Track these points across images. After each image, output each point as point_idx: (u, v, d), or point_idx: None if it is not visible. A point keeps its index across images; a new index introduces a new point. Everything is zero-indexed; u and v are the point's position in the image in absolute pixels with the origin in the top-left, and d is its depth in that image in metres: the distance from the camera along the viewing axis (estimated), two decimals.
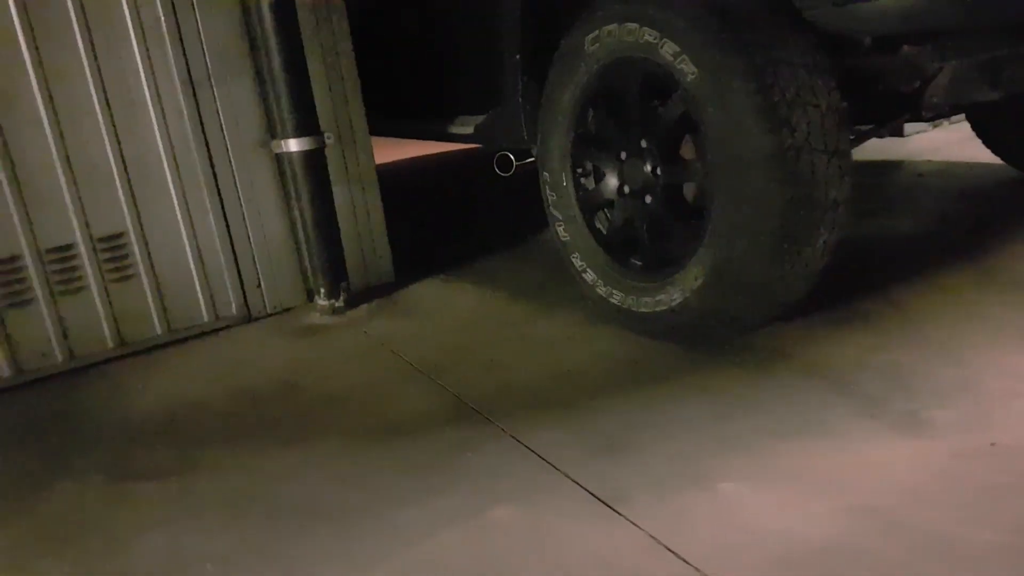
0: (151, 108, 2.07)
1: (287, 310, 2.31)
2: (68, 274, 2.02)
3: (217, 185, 2.18)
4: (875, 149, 3.62)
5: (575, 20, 1.82)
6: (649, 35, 1.60)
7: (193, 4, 2.07)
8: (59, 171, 1.97)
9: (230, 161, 2.19)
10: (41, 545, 1.31)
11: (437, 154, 5.04)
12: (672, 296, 1.70)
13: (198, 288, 2.20)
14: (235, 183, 2.21)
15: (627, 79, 1.74)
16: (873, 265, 2.16)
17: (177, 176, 2.13)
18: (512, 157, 2.24)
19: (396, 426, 1.58)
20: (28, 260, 1.95)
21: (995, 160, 2.93)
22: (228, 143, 2.18)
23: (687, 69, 1.53)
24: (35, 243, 1.96)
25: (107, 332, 2.09)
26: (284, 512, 1.33)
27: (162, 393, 1.88)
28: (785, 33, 1.46)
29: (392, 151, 5.05)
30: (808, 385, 1.54)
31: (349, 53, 2.32)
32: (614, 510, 1.21)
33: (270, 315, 2.29)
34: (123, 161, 2.05)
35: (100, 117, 2.00)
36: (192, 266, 2.18)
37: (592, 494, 1.26)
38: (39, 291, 1.98)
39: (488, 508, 1.26)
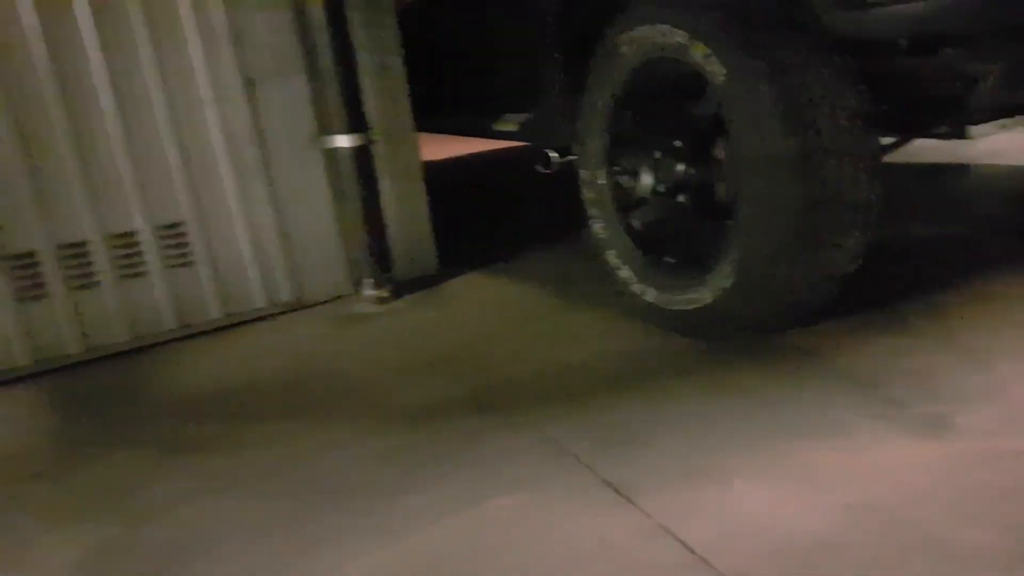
0: (211, 105, 2.20)
1: (336, 298, 2.42)
2: (132, 259, 2.16)
3: (271, 178, 2.30)
4: (937, 151, 3.53)
5: (611, 21, 1.86)
6: (680, 37, 1.63)
7: (251, 7, 2.19)
8: (125, 163, 2.11)
9: (284, 155, 2.30)
10: (94, 506, 1.43)
11: (482, 152, 5.11)
12: (703, 295, 1.72)
13: (253, 275, 2.32)
14: (288, 176, 2.32)
15: (660, 80, 1.77)
16: (919, 269, 2.13)
17: (234, 169, 2.25)
18: (553, 154, 2.29)
19: (422, 411, 1.66)
20: (95, 246, 2.10)
21: None
22: (282, 139, 2.29)
23: (716, 71, 1.56)
24: (101, 230, 2.11)
25: (168, 315, 2.23)
26: (311, 488, 1.42)
27: (215, 373, 2.00)
28: (811, 36, 1.47)
29: (438, 149, 5.15)
30: (832, 385, 1.55)
31: (398, 53, 2.40)
32: (623, 496, 1.26)
33: (320, 303, 2.40)
34: (184, 154, 2.19)
35: (163, 113, 2.14)
36: (247, 254, 2.31)
37: (603, 480, 1.31)
38: (105, 275, 2.12)
39: (501, 493, 1.32)
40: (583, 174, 2.06)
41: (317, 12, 2.17)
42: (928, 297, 1.91)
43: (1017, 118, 2.66)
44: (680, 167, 1.79)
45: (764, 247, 1.55)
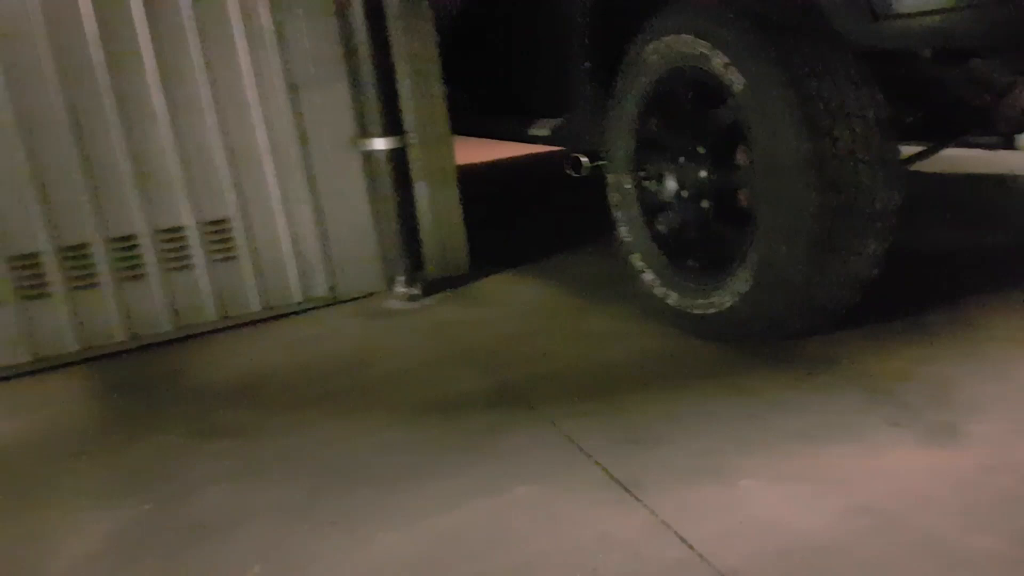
0: (256, 108, 2.30)
1: (369, 295, 2.50)
2: (178, 253, 2.28)
3: (311, 178, 2.39)
4: (984, 161, 3.46)
5: (639, 30, 1.89)
6: (702, 46, 1.66)
7: (295, 15, 2.28)
8: (175, 162, 2.23)
9: (324, 157, 2.40)
10: (129, 485, 1.52)
11: (516, 157, 5.16)
12: (722, 299, 1.75)
13: (292, 271, 2.42)
14: (327, 177, 2.41)
15: (684, 87, 1.80)
16: (951, 278, 2.11)
17: (277, 169, 2.35)
18: (584, 159, 2.33)
19: (444, 404, 1.72)
20: (144, 239, 2.22)
21: None
22: (323, 141, 2.39)
23: (735, 79, 1.59)
24: (151, 224, 2.22)
25: (210, 306, 2.34)
26: (335, 472, 1.49)
27: (251, 362, 2.10)
28: (829, 46, 1.49)
29: (473, 153, 5.22)
30: (847, 391, 1.56)
31: (435, 59, 2.48)
32: (630, 493, 1.29)
33: (354, 299, 2.48)
34: (230, 154, 2.29)
35: (211, 115, 2.25)
36: (287, 251, 2.40)
37: (613, 477, 1.35)
38: (152, 267, 2.24)
39: (515, 484, 1.37)
40: (610, 178, 2.10)
41: (358, 21, 2.25)
42: (956, 307, 1.90)
43: None
44: (703, 173, 1.82)
45: (780, 252, 1.57)
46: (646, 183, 2.02)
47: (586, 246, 2.79)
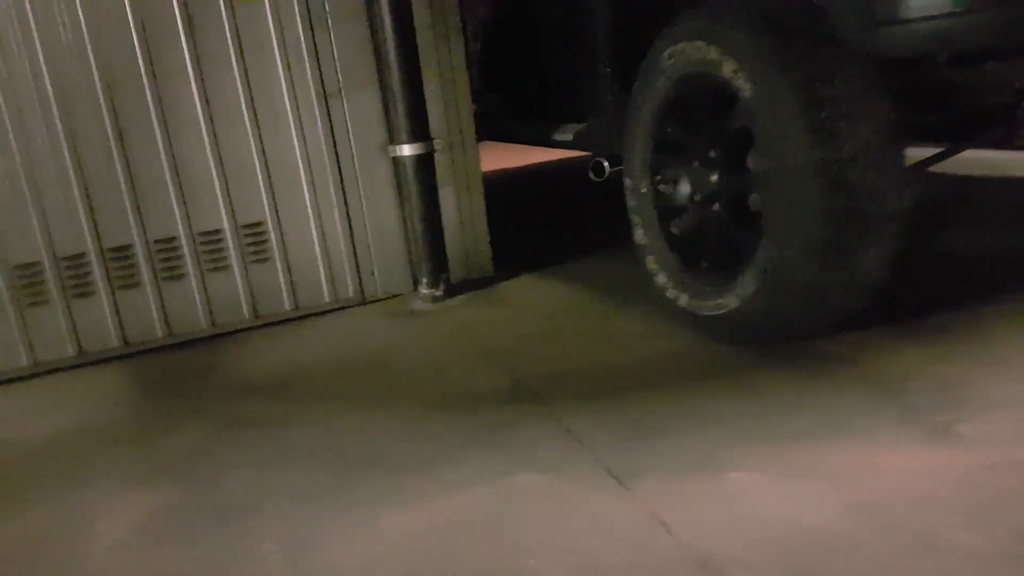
0: (290, 116, 2.40)
1: (395, 296, 2.58)
2: (215, 255, 2.39)
3: (342, 183, 2.49)
4: (1016, 162, 3.40)
5: (654, 38, 1.94)
6: (714, 52, 1.70)
7: (328, 26, 2.38)
8: (212, 168, 2.34)
9: (354, 163, 2.49)
10: (162, 470, 1.62)
11: (542, 163, 5.21)
12: (730, 301, 1.78)
13: (322, 272, 2.51)
14: (357, 182, 2.50)
15: (697, 92, 1.84)
16: (969, 280, 2.11)
17: (309, 175, 2.45)
18: (605, 163, 2.38)
19: (460, 399, 1.78)
20: (183, 241, 2.33)
21: None
22: (353, 147, 2.48)
23: (744, 85, 1.62)
24: (189, 227, 2.34)
25: (245, 306, 2.44)
26: (353, 460, 1.56)
27: (281, 359, 2.19)
28: (837, 51, 1.52)
29: (505, 158, 5.28)
30: (855, 391, 1.58)
31: (462, 68, 2.55)
32: (624, 486, 1.34)
33: (381, 299, 2.57)
34: (265, 160, 2.40)
35: (247, 123, 2.35)
36: (318, 253, 2.50)
37: (609, 471, 1.39)
38: (191, 268, 2.35)
39: (517, 473, 1.43)
40: (627, 182, 2.14)
41: (387, 32, 2.33)
42: (974, 308, 1.90)
43: None
44: (714, 177, 1.86)
45: (786, 255, 1.60)
46: (661, 187, 2.06)
47: (610, 249, 2.83)
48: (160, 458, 1.68)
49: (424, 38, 2.44)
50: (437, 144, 2.45)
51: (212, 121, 2.32)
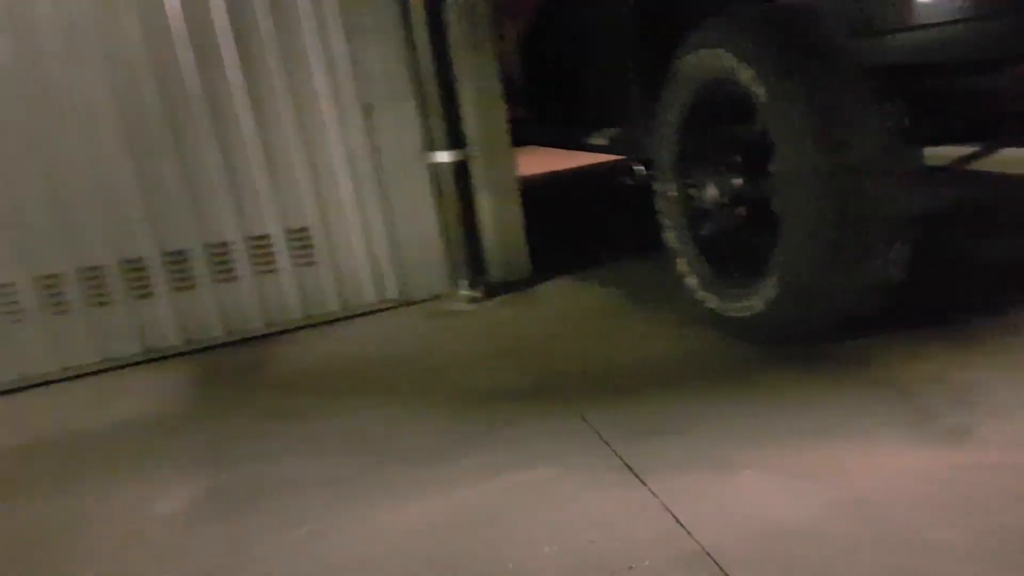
0: (333, 125, 2.53)
1: (436, 297, 2.69)
2: (266, 258, 2.53)
3: (383, 189, 2.61)
4: None
5: (680, 45, 1.99)
6: (732, 60, 1.75)
7: (368, 40, 2.50)
8: (263, 175, 2.48)
9: (394, 170, 2.60)
10: (209, 457, 1.76)
11: (578, 168, 5.25)
12: (755, 303, 1.82)
13: (365, 275, 2.64)
14: (397, 188, 2.62)
15: (719, 99, 1.89)
16: (1002, 285, 2.09)
17: (352, 181, 2.58)
18: (638, 167, 2.44)
19: (489, 395, 1.87)
20: (236, 246, 2.49)
21: None
22: (393, 155, 2.59)
23: (759, 92, 1.67)
24: (242, 232, 2.49)
25: (295, 306, 2.58)
26: (383, 450, 1.67)
27: (325, 355, 2.32)
28: (846, 58, 1.55)
29: (547, 162, 5.34)
30: (870, 393, 1.61)
31: (496, 77, 2.64)
32: (637, 476, 1.41)
33: (422, 300, 2.68)
34: (310, 168, 2.53)
35: (294, 133, 2.49)
36: (362, 256, 2.62)
37: (625, 463, 1.46)
38: (243, 270, 2.51)
39: (538, 465, 1.51)
40: (657, 186, 2.20)
41: (424, 45, 2.44)
42: (1001, 313, 1.89)
43: None
44: (737, 181, 1.90)
45: (803, 258, 1.64)
46: (690, 191, 2.11)
47: (645, 251, 2.88)
48: (210, 446, 1.81)
49: (459, 49, 2.54)
50: (472, 151, 2.55)
51: (261, 131, 2.47)
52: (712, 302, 2.00)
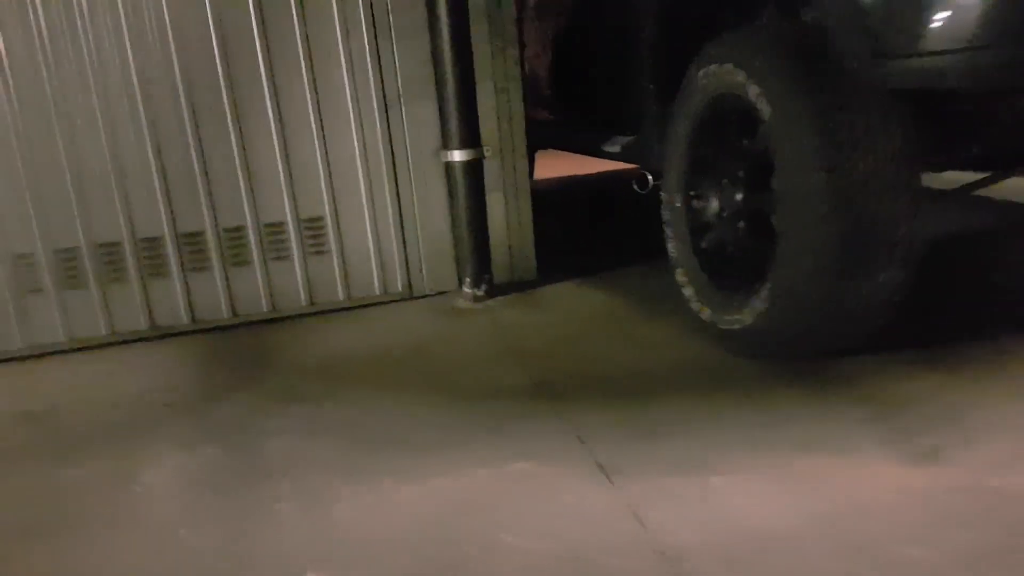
0: (352, 120, 2.58)
1: (441, 293, 2.72)
2: (278, 245, 2.58)
3: (397, 185, 2.65)
4: None
5: (693, 58, 2.01)
6: (741, 75, 1.76)
7: (391, 38, 2.54)
8: (279, 165, 2.54)
9: (409, 166, 2.64)
10: (208, 434, 1.80)
11: (601, 172, 5.26)
12: (745, 317, 1.84)
13: (374, 267, 2.68)
14: (411, 184, 2.66)
15: (728, 113, 1.90)
16: (1004, 315, 2.08)
17: (367, 175, 2.62)
18: (650, 176, 2.46)
19: (484, 392, 1.90)
20: (249, 231, 2.54)
21: None
22: (409, 151, 2.63)
23: (765, 109, 1.68)
24: (256, 219, 2.54)
25: (303, 294, 2.63)
26: (378, 438, 1.71)
27: (329, 343, 2.36)
28: (853, 80, 1.56)
29: (563, 167, 5.36)
30: (852, 410, 1.62)
31: (516, 78, 2.67)
32: (609, 479, 1.43)
33: (427, 295, 2.72)
34: (327, 160, 2.58)
35: (313, 125, 2.54)
36: (371, 249, 2.67)
37: (599, 464, 1.48)
38: (255, 256, 2.56)
39: (517, 461, 1.54)
40: (664, 196, 2.21)
41: (445, 45, 2.48)
42: (999, 341, 1.88)
43: None
44: (740, 195, 1.91)
45: (796, 276, 1.65)
46: (695, 202, 2.12)
47: (652, 260, 2.90)
48: (209, 423, 1.86)
49: (481, 51, 2.58)
50: (487, 151, 2.58)
51: (281, 122, 2.52)
52: (706, 313, 2.01)
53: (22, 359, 2.44)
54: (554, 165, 5.23)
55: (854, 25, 1.45)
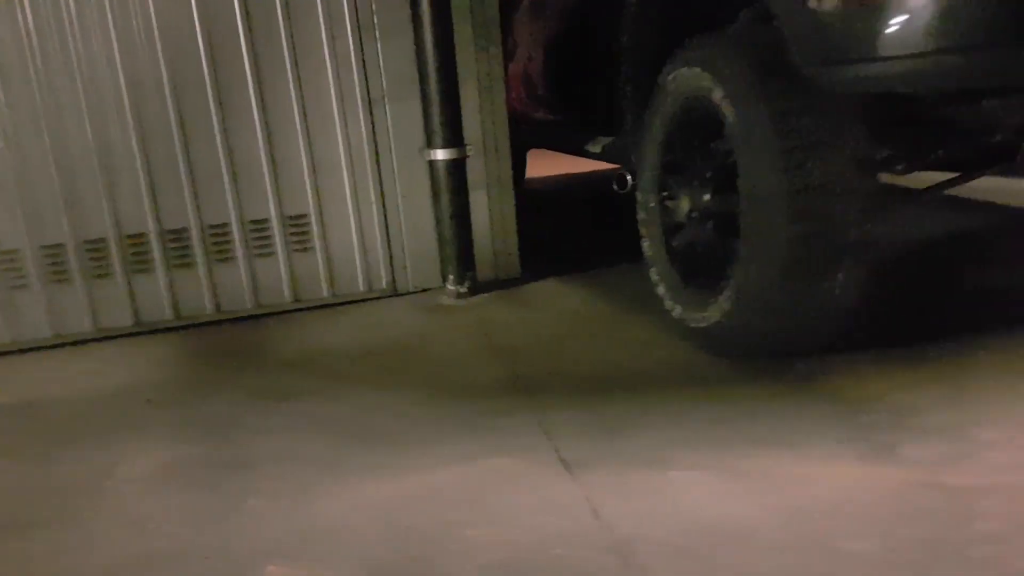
0: (337, 119, 2.62)
1: (425, 290, 2.77)
2: (262, 241, 2.63)
3: (381, 183, 2.69)
4: None
5: (665, 62, 2.05)
6: (707, 79, 1.80)
7: (375, 38, 2.58)
8: (264, 162, 2.58)
9: (393, 164, 2.68)
10: (190, 429, 1.85)
11: (584, 172, 5.30)
12: (712, 315, 1.88)
13: (358, 264, 2.72)
14: (395, 182, 2.70)
15: (697, 116, 1.94)
16: (972, 314, 2.12)
17: (351, 173, 2.66)
18: (629, 177, 2.50)
19: (461, 389, 1.94)
20: (233, 228, 2.58)
21: None
22: (393, 150, 2.67)
23: (728, 112, 1.72)
24: (241, 215, 2.58)
25: (287, 290, 2.67)
26: (357, 433, 1.74)
27: (313, 340, 2.41)
28: (811, 84, 1.59)
29: (547, 167, 5.39)
30: (816, 407, 1.66)
31: (500, 78, 2.71)
32: (570, 474, 1.47)
33: (411, 292, 2.76)
34: (312, 158, 2.62)
35: (297, 123, 2.58)
36: (356, 246, 2.71)
37: (563, 461, 1.53)
38: (240, 252, 2.60)
39: (486, 457, 1.58)
40: (639, 196, 2.25)
41: (429, 45, 2.51)
42: (965, 341, 1.92)
43: None
44: (707, 196, 1.95)
45: (757, 275, 1.69)
46: (668, 203, 2.16)
47: (637, 259, 2.94)
48: (191, 419, 1.90)
49: (464, 51, 2.61)
50: (470, 150, 2.62)
51: (266, 119, 2.56)
52: (677, 311, 2.05)
53: (6, 354, 2.48)
54: (549, 164, 5.26)
55: (804, 32, 1.49)
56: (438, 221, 2.71)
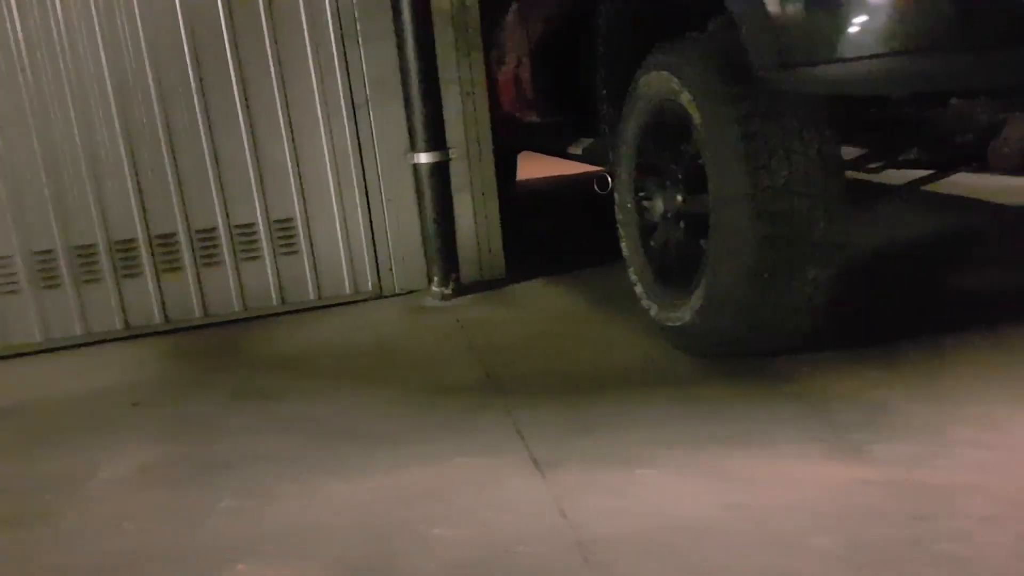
0: (322, 123, 2.65)
1: (410, 292, 2.80)
2: (249, 246, 2.66)
3: (366, 186, 2.73)
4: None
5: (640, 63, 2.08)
6: (676, 83, 1.83)
7: (358, 43, 2.62)
8: (250, 167, 2.61)
9: (378, 168, 2.72)
10: (170, 429, 1.89)
11: (575, 174, 5.32)
12: (684, 314, 1.91)
13: (344, 267, 2.76)
14: (380, 186, 2.73)
15: (667, 118, 1.97)
16: (949, 314, 2.14)
17: (336, 177, 2.70)
18: (609, 178, 2.53)
19: (439, 389, 1.98)
20: (221, 232, 2.62)
21: None
22: (377, 154, 2.71)
23: (696, 114, 1.75)
24: (228, 220, 2.62)
25: (274, 293, 2.71)
26: (332, 433, 1.78)
27: (298, 341, 2.45)
28: (774, 87, 1.62)
29: (539, 169, 5.41)
30: (786, 406, 1.68)
31: (482, 84, 2.74)
32: (540, 472, 1.50)
33: (396, 294, 2.80)
34: (297, 162, 2.66)
35: (283, 128, 2.62)
36: (341, 249, 2.74)
37: (533, 460, 1.56)
38: (227, 256, 2.64)
39: (457, 456, 1.61)
40: (617, 197, 2.28)
41: (410, 50, 2.55)
42: (940, 340, 1.93)
43: None
44: (679, 197, 1.98)
45: (724, 275, 1.72)
46: (644, 203, 2.19)
47: (621, 259, 2.97)
48: (172, 419, 1.95)
49: (446, 56, 2.65)
50: (453, 153, 2.66)
51: (251, 125, 2.60)
52: (653, 311, 2.09)
53: None
54: (540, 166, 5.29)
55: (758, 35, 1.52)
56: (423, 224, 2.75)
